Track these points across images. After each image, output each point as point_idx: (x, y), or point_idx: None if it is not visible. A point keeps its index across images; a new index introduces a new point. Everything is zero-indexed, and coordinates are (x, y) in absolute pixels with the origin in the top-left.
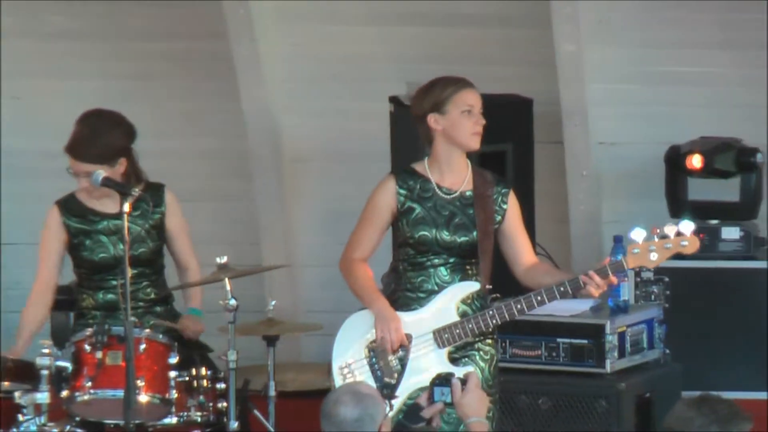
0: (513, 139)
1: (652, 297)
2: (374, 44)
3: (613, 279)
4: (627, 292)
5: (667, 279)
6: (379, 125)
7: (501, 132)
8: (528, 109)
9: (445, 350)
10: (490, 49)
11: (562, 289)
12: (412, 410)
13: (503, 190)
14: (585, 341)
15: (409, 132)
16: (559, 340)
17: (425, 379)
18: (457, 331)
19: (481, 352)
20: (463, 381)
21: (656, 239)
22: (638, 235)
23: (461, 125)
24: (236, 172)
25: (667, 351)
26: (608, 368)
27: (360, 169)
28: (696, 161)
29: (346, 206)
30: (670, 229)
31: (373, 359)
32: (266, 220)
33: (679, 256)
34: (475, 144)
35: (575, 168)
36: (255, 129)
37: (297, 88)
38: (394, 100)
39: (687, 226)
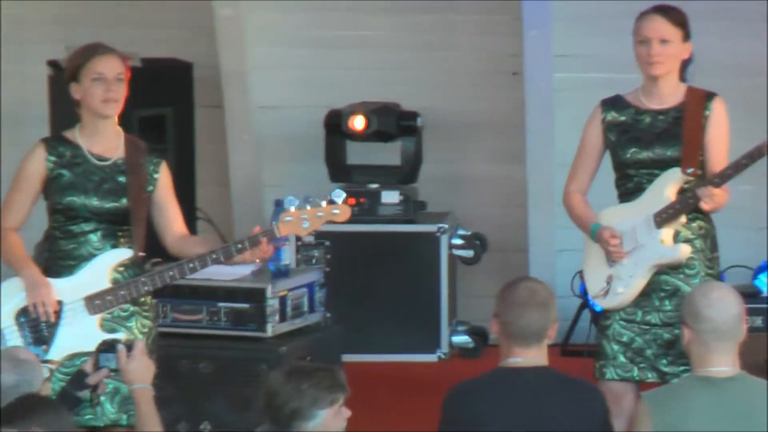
0: (173, 102)
1: (314, 261)
2: (32, 6)
3: (266, 249)
4: (288, 256)
5: (328, 243)
6: (38, 89)
7: (161, 96)
8: (188, 73)
9: (98, 317)
10: (150, 13)
11: (214, 256)
12: (77, 377)
13: (155, 160)
14: (246, 305)
15: (69, 96)
16: (220, 304)
17: (77, 346)
18: (109, 297)
19: (139, 324)
20: (129, 347)
21: (309, 208)
22: (291, 203)
23: (92, 93)
24: None
25: (329, 314)
26: (269, 332)
27: (18, 134)
28: (358, 123)
29: (4, 171)
30: (322, 198)
31: (23, 326)
32: None
33: None
34: (108, 111)
35: (236, 132)
36: None
37: None
38: (53, 63)
39: (339, 195)
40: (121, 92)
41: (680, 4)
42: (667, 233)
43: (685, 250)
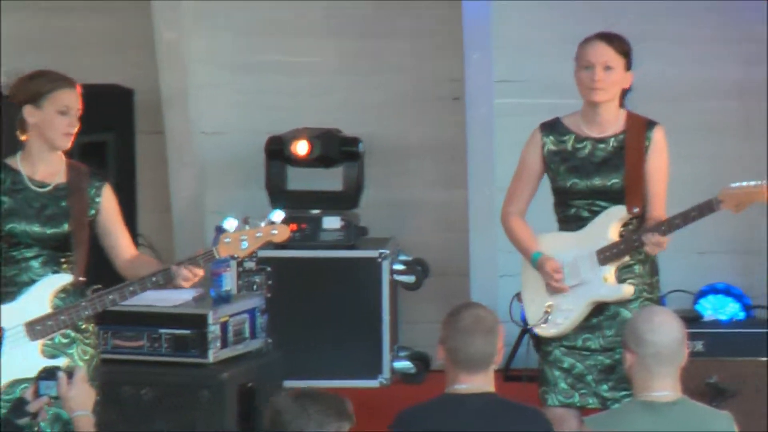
0: (114, 129)
1: (255, 287)
2: None
3: (199, 271)
4: (229, 282)
5: (269, 269)
6: None
7: (101, 122)
8: (128, 99)
9: (38, 343)
10: (90, 38)
11: (154, 279)
12: (17, 405)
13: (98, 183)
14: (188, 331)
15: (9, 124)
16: (161, 330)
17: (18, 372)
18: (50, 322)
19: (80, 351)
20: (69, 374)
21: (247, 228)
22: (230, 224)
23: (54, 124)
24: None
25: (270, 340)
26: (211, 358)
27: None
28: (301, 149)
29: None
30: (261, 219)
31: None
32: None
33: (280, 246)
34: (65, 144)
35: (177, 158)
36: None
37: None
38: None
39: (278, 215)
40: (77, 126)
41: (623, 29)
42: (610, 271)
43: (627, 291)
